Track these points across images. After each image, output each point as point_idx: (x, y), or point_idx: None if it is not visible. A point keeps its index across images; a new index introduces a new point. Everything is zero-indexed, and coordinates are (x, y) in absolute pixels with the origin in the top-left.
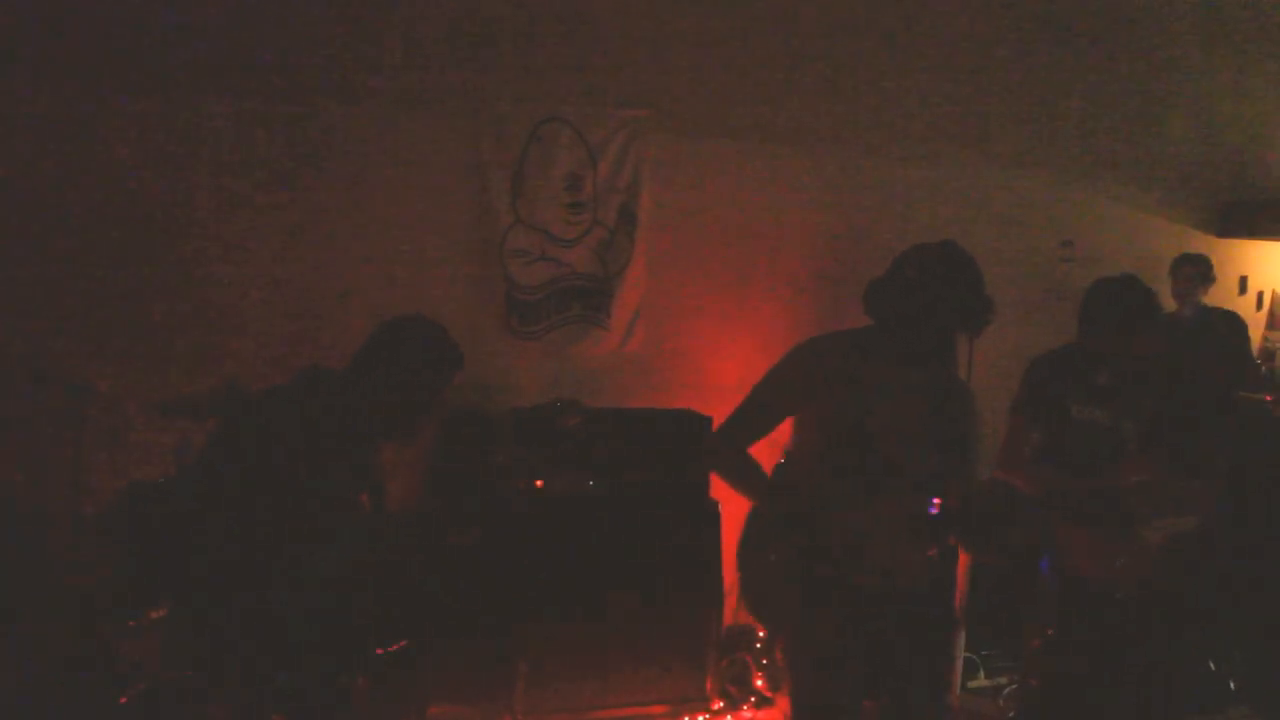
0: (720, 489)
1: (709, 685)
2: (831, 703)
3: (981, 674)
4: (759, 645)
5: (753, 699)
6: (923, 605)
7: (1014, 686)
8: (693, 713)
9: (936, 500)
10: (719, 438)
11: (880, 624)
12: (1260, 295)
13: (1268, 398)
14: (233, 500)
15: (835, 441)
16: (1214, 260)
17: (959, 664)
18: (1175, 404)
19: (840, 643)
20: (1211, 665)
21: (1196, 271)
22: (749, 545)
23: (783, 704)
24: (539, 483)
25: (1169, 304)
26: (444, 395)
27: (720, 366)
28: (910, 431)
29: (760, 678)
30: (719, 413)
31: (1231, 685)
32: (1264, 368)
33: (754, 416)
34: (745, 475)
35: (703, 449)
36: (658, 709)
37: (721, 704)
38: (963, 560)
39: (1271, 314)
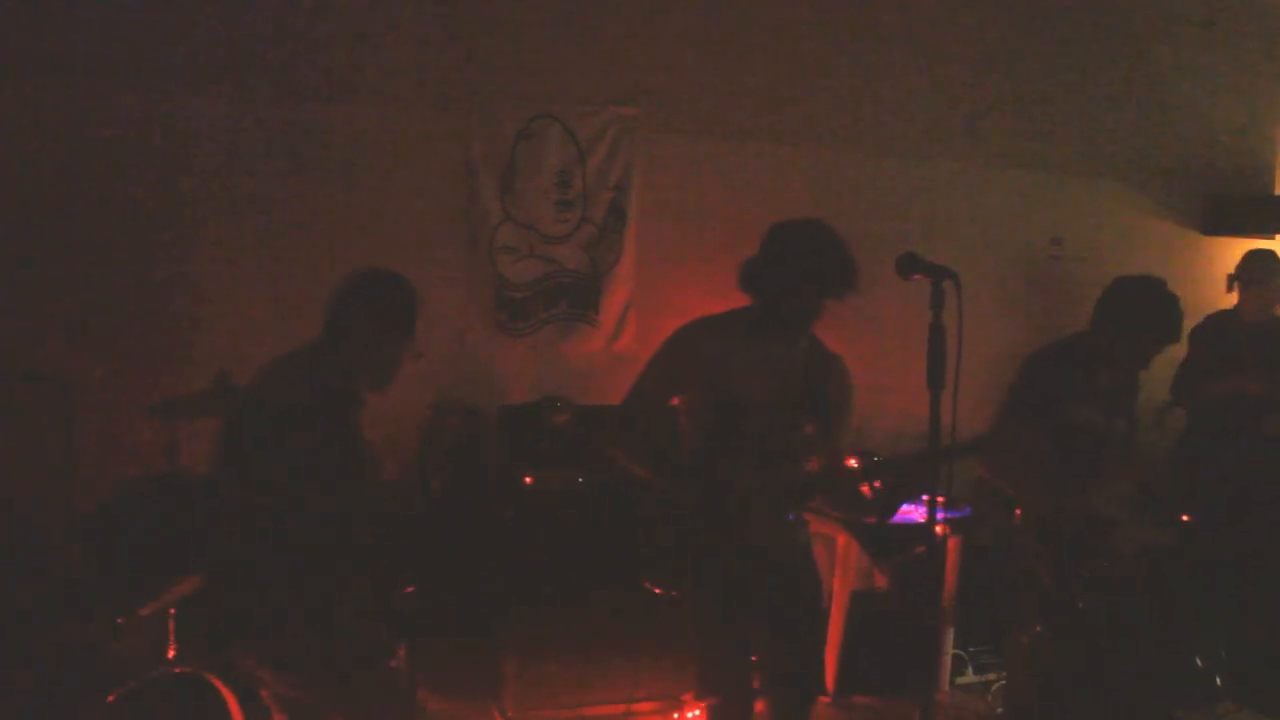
0: None
1: None
2: (725, 657)
3: (970, 670)
4: None
5: None
6: (799, 567)
7: (1002, 683)
8: (681, 709)
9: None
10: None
11: (768, 580)
12: None
13: None
14: (238, 497)
15: (717, 418)
16: (1200, 258)
17: (947, 661)
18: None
19: (733, 595)
20: (1198, 662)
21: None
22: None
23: None
24: (528, 479)
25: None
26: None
27: None
28: (782, 404)
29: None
30: None
31: (1218, 681)
32: None
33: (641, 404)
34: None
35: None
36: (647, 705)
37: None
38: (951, 557)
39: None
